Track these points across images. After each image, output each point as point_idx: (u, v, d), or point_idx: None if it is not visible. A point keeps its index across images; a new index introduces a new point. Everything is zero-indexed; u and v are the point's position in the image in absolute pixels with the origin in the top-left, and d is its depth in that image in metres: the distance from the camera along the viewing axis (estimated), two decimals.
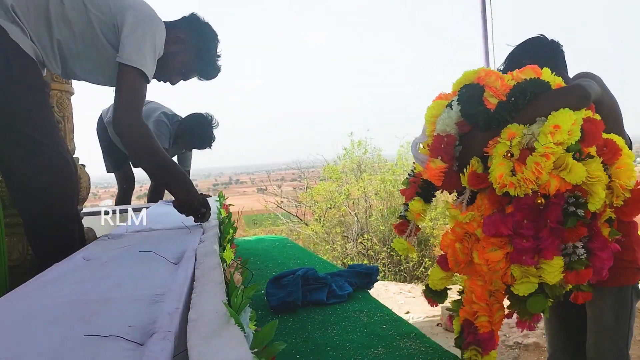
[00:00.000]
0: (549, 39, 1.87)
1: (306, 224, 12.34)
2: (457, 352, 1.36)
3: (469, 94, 1.24)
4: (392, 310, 1.72)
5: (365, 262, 10.23)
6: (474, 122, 1.22)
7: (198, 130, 3.41)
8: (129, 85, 1.56)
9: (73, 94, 2.41)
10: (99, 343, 0.63)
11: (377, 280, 2.07)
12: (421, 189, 1.38)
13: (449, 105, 1.27)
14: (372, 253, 10.11)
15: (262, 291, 1.86)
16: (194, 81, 2.02)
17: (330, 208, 11.41)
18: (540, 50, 1.84)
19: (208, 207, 1.77)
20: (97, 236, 2.15)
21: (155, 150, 1.60)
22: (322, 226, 11.60)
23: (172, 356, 0.60)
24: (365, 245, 10.18)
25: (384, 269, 9.75)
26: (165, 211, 2.26)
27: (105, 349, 0.62)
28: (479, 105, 1.21)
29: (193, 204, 1.70)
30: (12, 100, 1.43)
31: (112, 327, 0.68)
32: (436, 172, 1.23)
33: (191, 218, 1.80)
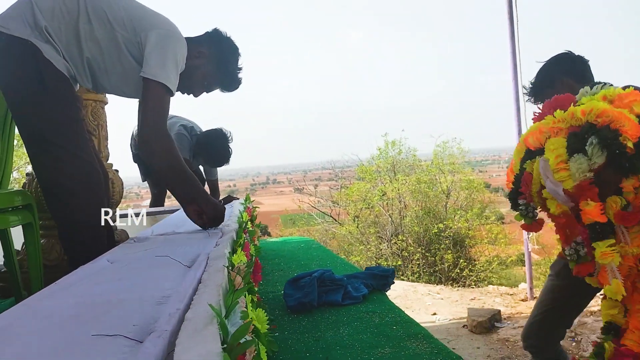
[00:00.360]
0: (576, 54, 2.00)
1: (340, 224, 12.40)
2: (461, 352, 1.40)
3: (611, 141, 1.23)
4: (405, 312, 1.77)
5: (399, 262, 10.23)
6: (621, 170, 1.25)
7: (213, 150, 3.46)
8: (153, 98, 1.66)
9: (107, 103, 2.56)
10: (104, 341, 0.72)
11: (394, 282, 2.12)
12: (594, 231, 1.31)
13: (579, 151, 1.28)
14: (406, 254, 10.10)
15: (281, 292, 1.95)
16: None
17: (366, 208, 11.45)
18: (571, 65, 1.97)
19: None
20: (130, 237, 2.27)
21: (176, 161, 1.70)
22: (357, 227, 11.63)
23: (164, 352, 0.68)
24: (399, 246, 10.17)
25: (418, 269, 9.72)
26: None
27: (108, 346, 0.70)
28: (625, 155, 1.21)
29: (223, 215, 1.80)
30: (45, 113, 1.56)
31: (119, 326, 0.77)
32: (597, 212, 1.26)
33: None
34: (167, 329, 0.73)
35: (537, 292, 4.41)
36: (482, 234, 10.80)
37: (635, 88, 1.43)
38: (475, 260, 10.14)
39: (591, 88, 1.41)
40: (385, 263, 10.47)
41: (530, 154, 1.47)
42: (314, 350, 1.45)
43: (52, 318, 0.82)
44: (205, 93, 2.00)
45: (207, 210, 1.77)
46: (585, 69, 1.97)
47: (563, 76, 1.95)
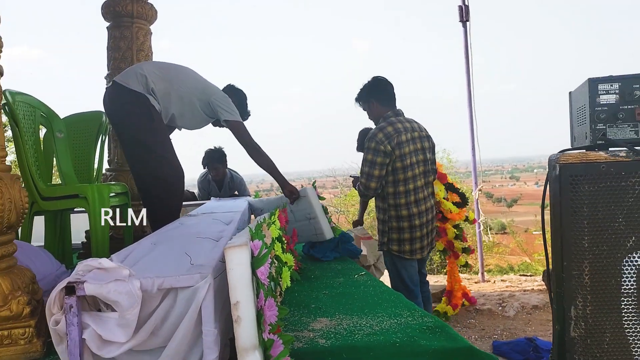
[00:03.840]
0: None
1: (339, 228, 13.27)
2: None
3: None
4: (356, 263, 2.76)
5: None
6: None
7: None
8: (241, 130, 2.78)
9: None
10: (202, 239, 1.71)
11: (359, 256, 3.11)
12: None
13: None
14: None
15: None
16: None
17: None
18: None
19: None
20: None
21: (266, 156, 2.81)
22: None
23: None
24: None
25: None
26: (219, 204, 3.38)
27: (205, 241, 1.69)
28: None
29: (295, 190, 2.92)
30: (155, 137, 2.63)
31: (205, 237, 1.76)
32: None
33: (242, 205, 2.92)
34: (227, 238, 1.72)
35: (487, 276, 5.39)
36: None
37: None
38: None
39: None
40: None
41: None
42: (300, 281, 2.43)
43: (175, 237, 1.82)
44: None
45: (287, 186, 2.91)
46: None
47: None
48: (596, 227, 1.16)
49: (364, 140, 3.57)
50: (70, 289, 1.07)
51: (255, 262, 1.25)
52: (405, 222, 2.93)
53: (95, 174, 2.99)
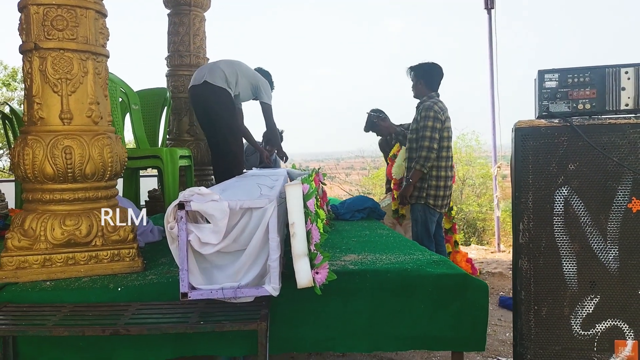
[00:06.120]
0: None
1: None
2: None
3: None
4: (382, 223, 3.23)
5: None
6: None
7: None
8: (270, 111, 3.65)
9: None
10: (258, 187, 2.20)
11: (382, 219, 3.58)
12: None
13: None
14: None
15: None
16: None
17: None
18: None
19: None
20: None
21: (277, 133, 3.73)
22: (381, 207, 12.93)
23: (279, 193, 2.16)
24: None
25: None
26: (262, 172, 3.89)
27: (263, 187, 2.19)
28: None
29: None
30: (236, 121, 3.45)
31: (262, 187, 2.26)
32: None
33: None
34: (278, 187, 2.21)
35: (503, 247, 5.80)
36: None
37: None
38: (484, 241, 11.33)
39: None
40: None
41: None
42: (332, 232, 2.91)
43: (239, 185, 2.32)
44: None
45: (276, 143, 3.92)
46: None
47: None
48: (537, 169, 1.70)
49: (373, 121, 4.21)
50: (181, 205, 1.58)
51: (305, 197, 1.73)
52: (442, 181, 3.57)
53: (160, 140, 3.52)
